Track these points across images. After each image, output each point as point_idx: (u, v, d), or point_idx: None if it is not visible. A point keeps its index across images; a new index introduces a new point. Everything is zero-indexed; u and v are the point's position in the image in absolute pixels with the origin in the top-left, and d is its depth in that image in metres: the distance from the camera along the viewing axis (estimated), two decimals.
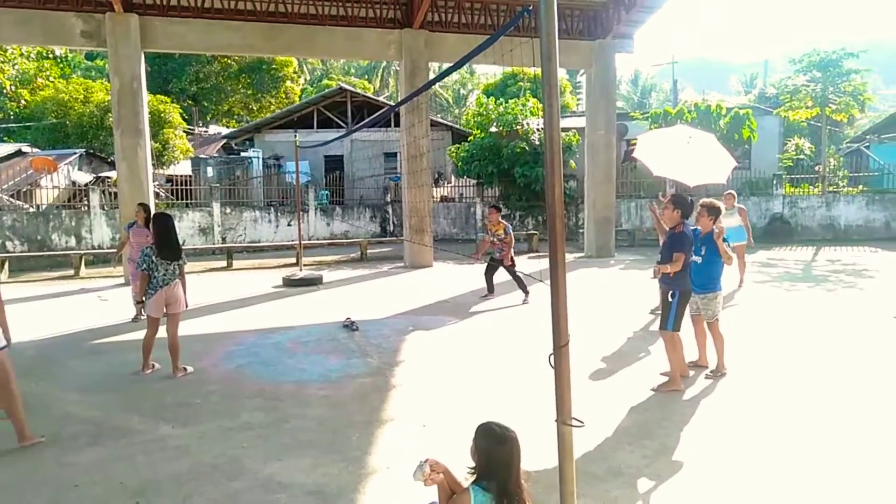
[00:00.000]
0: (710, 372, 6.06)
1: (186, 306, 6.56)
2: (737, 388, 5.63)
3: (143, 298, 6.35)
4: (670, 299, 5.65)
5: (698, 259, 5.93)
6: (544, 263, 2.80)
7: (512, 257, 10.25)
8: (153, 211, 9.03)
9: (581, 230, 18.77)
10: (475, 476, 2.66)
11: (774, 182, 21.03)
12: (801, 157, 25.64)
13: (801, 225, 20.66)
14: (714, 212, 5.94)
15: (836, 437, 4.51)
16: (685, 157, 7.64)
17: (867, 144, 27.15)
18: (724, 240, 5.87)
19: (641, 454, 4.27)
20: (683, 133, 8.11)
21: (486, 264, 10.74)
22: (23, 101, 27.84)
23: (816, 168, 23.77)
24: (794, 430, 4.63)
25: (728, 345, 6.16)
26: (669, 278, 5.64)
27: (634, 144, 23.16)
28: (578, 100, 39.32)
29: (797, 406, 5.14)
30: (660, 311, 8.67)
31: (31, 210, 17.53)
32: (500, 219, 10.22)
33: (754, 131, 22.21)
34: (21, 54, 28.12)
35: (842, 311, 8.94)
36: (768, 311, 9.07)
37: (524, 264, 14.49)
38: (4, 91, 27.52)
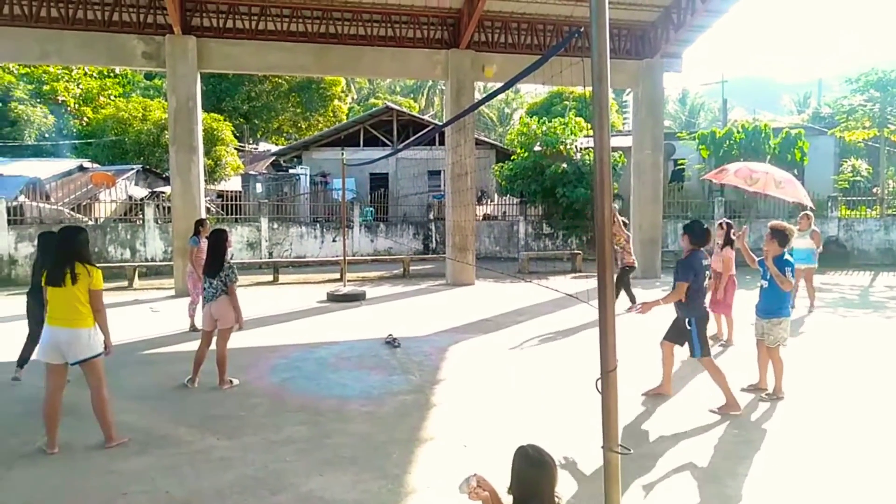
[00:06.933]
0: (766, 394, 5.93)
1: (240, 325, 6.49)
2: (788, 416, 5.41)
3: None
4: (688, 327, 5.60)
5: (765, 283, 5.89)
6: (588, 284, 2.76)
7: (632, 263, 10.62)
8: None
9: None
10: (512, 500, 2.64)
11: (829, 204, 20.34)
12: (858, 178, 24.74)
13: (857, 249, 19.90)
14: (779, 235, 5.75)
15: (887, 466, 4.30)
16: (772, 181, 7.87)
17: None
18: (787, 263, 5.74)
19: (688, 482, 4.14)
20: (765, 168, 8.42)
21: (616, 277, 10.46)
22: (85, 119, 29.20)
23: (874, 190, 22.90)
24: (846, 460, 4.43)
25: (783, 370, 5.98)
26: (684, 305, 5.61)
27: (682, 165, 22.77)
28: (625, 118, 38.94)
29: (850, 435, 4.92)
30: (715, 335, 8.55)
31: (90, 223, 18.25)
32: (624, 230, 10.52)
33: (806, 154, 21.61)
34: (85, 73, 29.58)
35: None
36: (823, 337, 8.73)
37: (568, 284, 14.35)
38: (69, 108, 28.94)
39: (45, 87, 28.31)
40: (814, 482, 4.15)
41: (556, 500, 2.64)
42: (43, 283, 4.74)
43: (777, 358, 5.90)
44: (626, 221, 11.37)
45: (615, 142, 22.86)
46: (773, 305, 5.84)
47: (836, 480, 4.18)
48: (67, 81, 29.01)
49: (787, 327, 5.88)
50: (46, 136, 28.24)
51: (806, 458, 4.55)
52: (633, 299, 10.69)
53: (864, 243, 19.93)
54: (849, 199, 21.97)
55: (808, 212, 10.82)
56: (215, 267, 6.41)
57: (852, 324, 9.77)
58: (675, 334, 5.83)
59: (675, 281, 5.65)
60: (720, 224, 8.68)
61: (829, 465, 4.43)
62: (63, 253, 4.73)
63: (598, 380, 2.63)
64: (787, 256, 5.79)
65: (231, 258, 6.73)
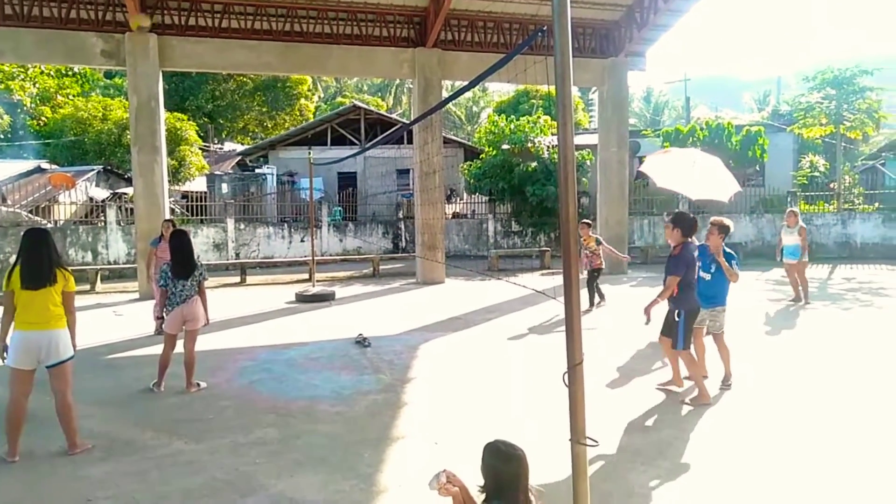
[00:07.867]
0: (722, 383, 6.12)
1: (207, 322, 6.54)
2: (750, 405, 5.56)
3: (164, 314, 6.38)
4: (676, 318, 5.66)
5: (707, 276, 6.07)
6: (557, 280, 2.80)
7: (600, 266, 10.86)
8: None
9: None
10: (485, 496, 2.66)
11: (789, 199, 20.90)
12: (816, 174, 25.43)
13: (815, 242, 20.40)
14: (724, 230, 6.01)
15: (847, 452, 4.44)
16: (690, 174, 7.73)
17: (882, 161, 26.93)
18: (731, 256, 5.96)
19: (654, 474, 4.22)
20: (690, 155, 8.21)
21: (585, 277, 10.80)
22: (43, 119, 28.38)
23: (831, 185, 23.58)
24: (808, 445, 4.57)
25: (747, 360, 6.16)
26: (674, 297, 5.64)
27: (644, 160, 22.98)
28: (591, 117, 39.39)
29: (810, 421, 5.08)
30: None
31: (49, 226, 17.76)
32: (590, 233, 10.85)
33: (766, 150, 22.16)
34: (42, 72, 28.73)
35: (858, 330, 8.83)
36: (784, 328, 8.98)
37: (537, 281, 14.47)
38: (25, 108, 28.08)
39: (0, 86, 27.40)
40: (780, 468, 4.28)
41: (530, 491, 2.67)
42: (12, 287, 4.55)
43: (723, 345, 6.16)
44: (590, 223, 11.40)
45: (582, 140, 23.13)
46: (719, 295, 6.08)
47: (798, 467, 4.31)
48: (23, 80, 28.13)
49: (725, 313, 6.16)
50: (2, 136, 27.39)
51: (769, 443, 4.69)
52: (601, 296, 10.89)
53: (822, 237, 20.51)
54: (807, 194, 22.58)
55: (794, 209, 11.21)
56: (188, 268, 6.29)
57: (812, 315, 10.05)
58: (668, 327, 5.83)
59: (667, 275, 5.62)
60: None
61: (793, 451, 4.56)
62: (40, 255, 4.60)
63: (565, 373, 2.68)
64: (728, 250, 6.07)
65: (198, 258, 6.63)
